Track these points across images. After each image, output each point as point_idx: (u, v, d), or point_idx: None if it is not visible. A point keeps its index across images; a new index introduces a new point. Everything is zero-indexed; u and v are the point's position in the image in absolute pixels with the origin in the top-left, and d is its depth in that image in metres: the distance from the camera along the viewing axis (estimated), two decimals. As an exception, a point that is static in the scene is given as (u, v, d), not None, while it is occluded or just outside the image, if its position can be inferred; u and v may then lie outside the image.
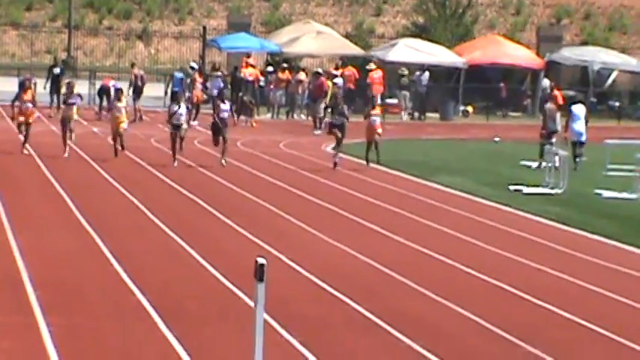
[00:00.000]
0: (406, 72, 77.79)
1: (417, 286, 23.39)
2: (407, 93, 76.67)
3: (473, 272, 26.40)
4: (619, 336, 19.92)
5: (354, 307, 21.20)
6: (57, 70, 67.76)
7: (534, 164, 48.25)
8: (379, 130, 46.01)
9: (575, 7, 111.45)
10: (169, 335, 18.19)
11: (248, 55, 77.74)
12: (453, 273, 26.41)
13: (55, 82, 66.16)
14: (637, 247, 30.45)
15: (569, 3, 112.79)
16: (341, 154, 45.79)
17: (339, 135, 45.07)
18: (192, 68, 70.26)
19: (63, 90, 63.43)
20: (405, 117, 76.63)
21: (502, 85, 78.03)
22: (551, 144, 46.39)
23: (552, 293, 24.14)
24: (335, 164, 44.68)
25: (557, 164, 41.96)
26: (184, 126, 43.12)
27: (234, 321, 19.55)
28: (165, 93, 67.13)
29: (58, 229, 30.28)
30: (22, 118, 42.31)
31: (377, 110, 47.16)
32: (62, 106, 44.66)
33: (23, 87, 43.26)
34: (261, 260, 10.88)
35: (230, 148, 46.21)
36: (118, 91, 45.61)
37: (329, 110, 63.70)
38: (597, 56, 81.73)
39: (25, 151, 42.53)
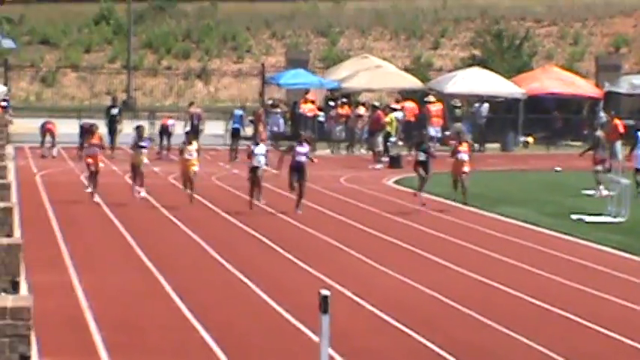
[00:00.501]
0: (459, 104, 77.79)
1: (481, 317, 23.07)
2: (460, 125, 76.31)
3: (537, 302, 26.06)
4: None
5: (418, 339, 20.87)
6: (115, 111, 67.19)
7: (596, 192, 47.74)
8: (465, 169, 41.73)
9: (633, 36, 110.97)
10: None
11: (307, 92, 78.00)
12: (518, 303, 26.22)
13: (113, 123, 65.95)
14: (701, 276, 29.61)
15: (626, 32, 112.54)
16: (424, 194, 41.91)
17: (423, 174, 41.07)
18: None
19: (122, 129, 64.84)
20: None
21: (557, 114, 77.73)
22: (609, 171, 46.15)
23: (617, 322, 23.77)
24: (423, 204, 41.00)
25: (614, 192, 41.94)
26: (262, 167, 38.85)
27: (299, 356, 19.36)
28: (226, 130, 67.57)
29: (122, 269, 29.90)
30: (90, 160, 40.31)
31: (464, 146, 42.27)
32: (130, 150, 41.42)
33: (90, 132, 41.30)
34: (324, 292, 10.87)
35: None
36: (188, 134, 43.18)
37: (392, 142, 66.06)
38: None
39: (95, 199, 40.69)
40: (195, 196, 41.40)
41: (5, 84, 77.72)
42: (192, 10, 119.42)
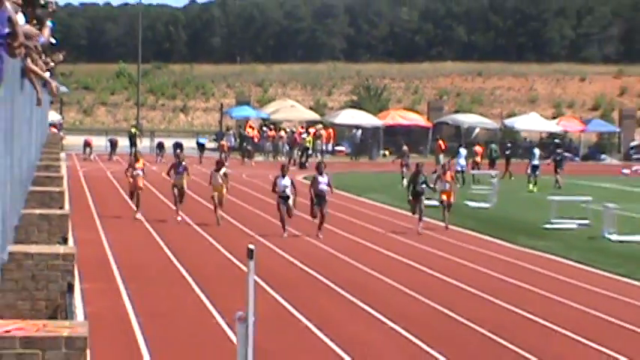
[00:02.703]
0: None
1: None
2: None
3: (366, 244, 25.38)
4: None
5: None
6: (133, 130, 68.68)
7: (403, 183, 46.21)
8: (448, 197, 31.53)
9: (450, 89, 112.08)
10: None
11: (248, 120, 78.88)
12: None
13: (133, 138, 66.53)
14: None
15: (446, 87, 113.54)
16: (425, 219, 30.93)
17: (416, 204, 30.45)
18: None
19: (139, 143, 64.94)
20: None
21: (401, 138, 78.51)
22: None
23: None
24: (418, 233, 29.86)
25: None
26: (292, 197, 28.39)
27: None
28: (196, 143, 66.75)
29: (132, 226, 29.21)
30: (132, 180, 31.36)
31: (447, 176, 31.88)
32: (173, 175, 31.17)
33: (136, 158, 31.87)
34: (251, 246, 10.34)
35: (237, 178, 42.93)
36: (219, 162, 31.27)
37: (309, 154, 65.53)
38: (466, 120, 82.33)
39: (138, 216, 31.16)
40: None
41: (60, 114, 78.26)
42: (177, 69, 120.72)
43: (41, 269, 12.57)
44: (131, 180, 31.32)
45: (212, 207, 30.48)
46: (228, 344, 14.27)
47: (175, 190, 31.03)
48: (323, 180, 28.60)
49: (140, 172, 31.30)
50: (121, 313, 17.08)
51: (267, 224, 30.67)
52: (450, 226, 31.35)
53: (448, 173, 32.15)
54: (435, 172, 34.26)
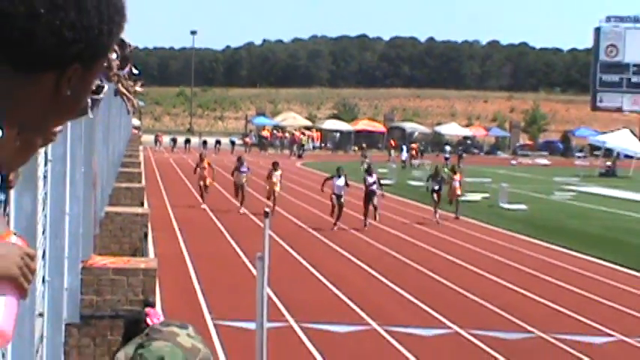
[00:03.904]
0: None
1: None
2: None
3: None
4: None
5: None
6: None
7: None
8: (458, 192, 25.24)
9: (399, 106, 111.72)
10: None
11: (264, 127, 77.73)
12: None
13: (188, 140, 64.41)
14: None
15: (400, 104, 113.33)
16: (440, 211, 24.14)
17: (436, 198, 23.85)
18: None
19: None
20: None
21: (362, 139, 78.28)
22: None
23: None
24: (437, 222, 23.56)
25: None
26: (343, 195, 21.80)
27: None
28: (230, 142, 65.21)
29: (188, 198, 28.05)
30: (201, 183, 25.20)
31: (457, 175, 25.48)
32: (236, 173, 24.65)
33: (201, 159, 25.44)
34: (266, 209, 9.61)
35: (255, 163, 38.53)
36: (275, 164, 24.16)
37: (303, 150, 63.85)
38: (408, 126, 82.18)
39: (203, 206, 24.83)
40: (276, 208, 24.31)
41: (139, 120, 77.45)
42: (217, 92, 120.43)
43: (126, 223, 12.56)
44: (199, 173, 25.54)
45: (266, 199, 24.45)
46: (248, 274, 14.15)
47: (238, 187, 24.58)
48: (371, 180, 22.11)
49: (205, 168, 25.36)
50: (178, 252, 17.06)
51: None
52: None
53: (458, 174, 25.75)
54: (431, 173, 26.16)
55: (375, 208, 22.13)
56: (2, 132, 1.15)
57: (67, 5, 1.15)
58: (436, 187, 24.00)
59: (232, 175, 25.30)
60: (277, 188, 23.80)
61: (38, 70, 1.17)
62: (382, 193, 23.19)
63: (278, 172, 23.75)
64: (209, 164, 25.41)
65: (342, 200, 21.66)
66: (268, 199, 24.00)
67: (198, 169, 25.58)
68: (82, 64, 1.19)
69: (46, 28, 1.14)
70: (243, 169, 24.54)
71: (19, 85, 1.15)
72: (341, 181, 21.81)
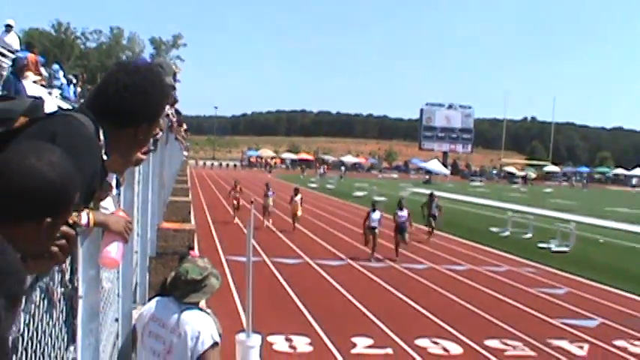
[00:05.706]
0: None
1: None
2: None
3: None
4: None
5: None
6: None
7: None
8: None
9: (322, 146, 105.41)
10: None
11: (251, 156, 71.66)
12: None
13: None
14: None
15: (320, 146, 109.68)
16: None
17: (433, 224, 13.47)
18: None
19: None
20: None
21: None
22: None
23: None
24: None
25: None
26: (378, 228, 10.97)
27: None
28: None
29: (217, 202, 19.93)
30: (235, 203, 15.53)
31: (405, 211, 11.51)
32: (263, 197, 15.06)
33: (235, 185, 16.13)
34: None
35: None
36: (296, 189, 14.82)
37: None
38: (327, 157, 76.63)
39: (235, 221, 14.73)
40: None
41: (187, 151, 70.87)
42: (225, 138, 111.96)
43: (180, 209, 10.48)
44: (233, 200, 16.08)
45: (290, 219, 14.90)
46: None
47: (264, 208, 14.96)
48: (403, 214, 11.48)
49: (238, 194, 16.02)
50: (205, 220, 14.88)
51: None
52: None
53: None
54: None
55: (405, 243, 11.47)
56: (108, 157, 1.18)
57: (139, 90, 1.22)
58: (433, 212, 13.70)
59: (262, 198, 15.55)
60: (299, 212, 14.70)
61: (125, 126, 1.23)
62: (413, 227, 12.02)
63: (298, 197, 14.76)
64: (241, 189, 16.43)
65: (377, 231, 11.35)
66: (292, 220, 14.68)
67: (232, 191, 16.37)
68: (147, 123, 1.26)
69: (130, 105, 1.22)
70: (270, 193, 15.43)
71: (115, 134, 1.21)
72: (377, 215, 11.52)
